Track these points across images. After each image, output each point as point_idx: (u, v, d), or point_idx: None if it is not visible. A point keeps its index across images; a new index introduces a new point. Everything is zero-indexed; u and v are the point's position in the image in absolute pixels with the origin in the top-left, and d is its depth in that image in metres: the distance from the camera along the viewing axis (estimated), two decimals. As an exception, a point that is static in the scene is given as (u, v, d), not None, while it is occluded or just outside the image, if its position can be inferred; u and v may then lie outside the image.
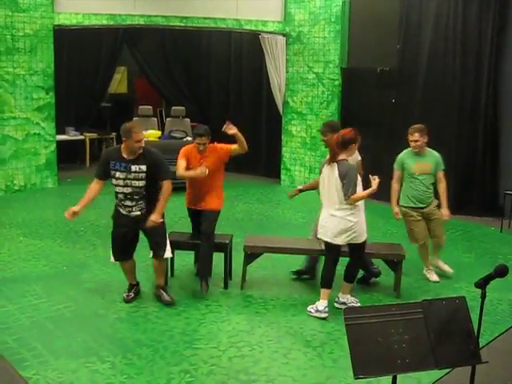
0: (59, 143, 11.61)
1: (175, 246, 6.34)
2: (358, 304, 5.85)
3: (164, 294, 5.96)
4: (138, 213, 5.80)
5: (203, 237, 6.22)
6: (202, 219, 6.26)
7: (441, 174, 6.73)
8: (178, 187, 6.48)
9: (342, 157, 5.56)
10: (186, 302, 5.86)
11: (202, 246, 6.22)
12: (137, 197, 5.75)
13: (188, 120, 12.57)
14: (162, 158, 5.78)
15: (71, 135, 13.18)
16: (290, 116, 11.91)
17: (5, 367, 4.66)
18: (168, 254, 5.95)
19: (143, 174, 5.63)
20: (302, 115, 11.75)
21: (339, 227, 5.54)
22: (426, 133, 6.61)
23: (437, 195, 6.79)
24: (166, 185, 5.68)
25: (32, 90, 10.70)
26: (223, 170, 6.42)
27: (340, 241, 5.59)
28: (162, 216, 5.79)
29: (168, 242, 5.92)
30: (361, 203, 5.61)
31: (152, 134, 11.30)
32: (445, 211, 6.68)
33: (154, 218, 5.64)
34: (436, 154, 6.73)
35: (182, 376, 4.60)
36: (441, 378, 4.55)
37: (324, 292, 5.72)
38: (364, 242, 5.72)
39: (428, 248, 6.86)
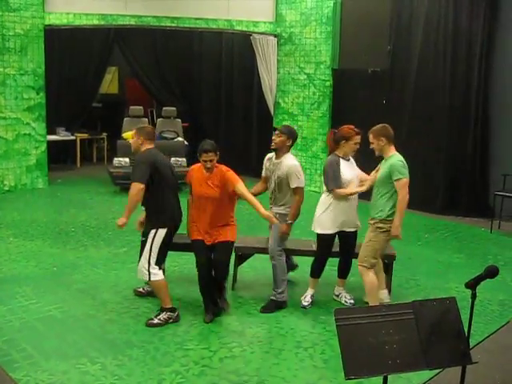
0: (50, 143, 11.58)
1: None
2: (350, 302, 6.01)
3: (154, 318, 5.52)
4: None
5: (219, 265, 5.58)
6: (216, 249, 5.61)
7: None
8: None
9: (337, 152, 5.77)
10: (176, 303, 5.84)
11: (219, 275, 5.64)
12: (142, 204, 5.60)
13: (179, 120, 12.57)
14: (138, 161, 5.43)
15: (62, 135, 13.15)
16: (281, 117, 11.92)
17: (-6, 369, 4.64)
18: (139, 274, 5.50)
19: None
20: (293, 116, 11.76)
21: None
22: (382, 134, 5.62)
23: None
24: (131, 188, 5.34)
25: (22, 90, 10.65)
26: (233, 198, 5.62)
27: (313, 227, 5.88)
28: (145, 235, 5.46)
29: (145, 264, 5.39)
30: (346, 200, 5.71)
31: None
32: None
33: (119, 220, 5.43)
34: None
35: (173, 377, 4.59)
36: (431, 378, 4.56)
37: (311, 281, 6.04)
38: (320, 236, 5.83)
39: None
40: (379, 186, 5.59)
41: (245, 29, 11.57)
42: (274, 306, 5.83)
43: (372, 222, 5.63)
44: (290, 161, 5.73)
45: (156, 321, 5.45)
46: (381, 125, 5.68)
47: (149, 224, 5.54)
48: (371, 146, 5.65)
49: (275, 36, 11.71)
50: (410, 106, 10.41)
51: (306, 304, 5.96)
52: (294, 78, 11.69)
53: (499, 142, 9.86)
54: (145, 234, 5.54)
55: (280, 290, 5.83)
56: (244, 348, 5.12)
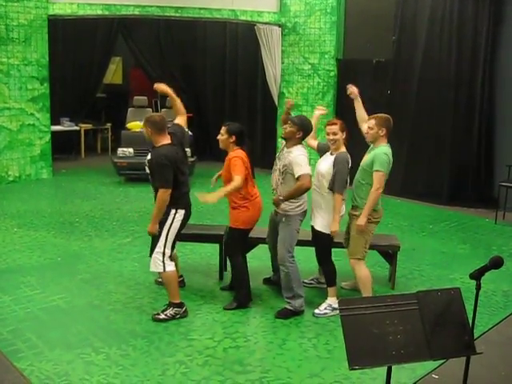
0: (54, 134, 11.57)
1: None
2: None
3: (161, 313, 5.46)
4: None
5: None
6: None
7: None
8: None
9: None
10: (181, 293, 5.84)
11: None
12: (153, 190, 5.48)
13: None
14: (161, 163, 5.17)
15: (66, 126, 13.13)
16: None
17: (-1, 358, 4.66)
18: (153, 267, 5.39)
19: (147, 166, 5.46)
20: (297, 106, 11.71)
21: None
22: (385, 125, 5.51)
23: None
24: (159, 193, 5.20)
25: (26, 80, 10.64)
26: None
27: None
28: (162, 226, 5.31)
29: (160, 255, 5.31)
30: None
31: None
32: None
33: (148, 227, 5.33)
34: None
35: (177, 367, 4.60)
36: (435, 368, 4.57)
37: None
38: (329, 236, 5.65)
39: None
40: (363, 173, 5.50)
41: (249, 19, 11.52)
42: (290, 314, 5.57)
43: (356, 212, 5.51)
44: (296, 151, 5.46)
45: (162, 316, 5.40)
46: (386, 115, 5.57)
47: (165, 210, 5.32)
48: (368, 131, 5.50)
49: (279, 26, 11.66)
50: (415, 96, 10.37)
51: (318, 312, 5.66)
52: (299, 68, 11.65)
53: (504, 132, 9.82)
54: (160, 225, 5.32)
55: (297, 302, 5.56)
56: (248, 338, 5.13)
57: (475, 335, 4.30)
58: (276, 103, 11.99)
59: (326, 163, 5.59)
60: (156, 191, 5.31)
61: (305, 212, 5.62)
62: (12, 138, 10.61)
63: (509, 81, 9.67)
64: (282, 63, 11.79)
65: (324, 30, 11.20)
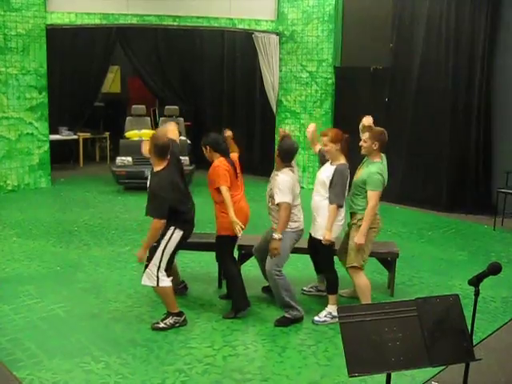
0: (52, 143, 11.59)
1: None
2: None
3: (160, 322, 5.45)
4: None
5: None
6: None
7: None
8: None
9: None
10: (180, 302, 5.83)
11: None
12: None
13: (182, 119, 12.57)
14: (157, 191, 5.13)
15: (64, 135, 13.16)
16: (284, 115, 11.92)
17: (-1, 368, 4.65)
18: (145, 281, 5.35)
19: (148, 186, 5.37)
20: (295, 114, 11.76)
21: None
22: (379, 139, 5.53)
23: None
24: (152, 222, 5.13)
25: (25, 89, 10.67)
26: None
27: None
28: (160, 240, 5.28)
29: (154, 270, 5.27)
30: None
31: (145, 134, 11.29)
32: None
33: (138, 252, 5.32)
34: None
35: (176, 375, 4.59)
36: (435, 375, 4.56)
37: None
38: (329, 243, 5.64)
39: None
40: (357, 188, 5.53)
41: (247, 27, 11.56)
42: (289, 322, 5.57)
43: (355, 221, 5.54)
44: (282, 175, 5.45)
45: (162, 325, 5.39)
46: (381, 129, 5.60)
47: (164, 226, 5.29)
48: (362, 144, 5.52)
49: (277, 34, 11.70)
50: (413, 103, 10.40)
51: (318, 319, 5.65)
52: (296, 76, 11.68)
53: (502, 138, 9.84)
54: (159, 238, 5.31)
55: (294, 312, 5.55)
56: (247, 346, 5.12)
57: (474, 341, 4.31)
58: (274, 111, 12.01)
59: (326, 172, 5.58)
60: None
61: (301, 231, 5.63)
62: (10, 147, 10.63)
63: (506, 87, 9.70)
64: (280, 71, 11.83)
65: (321, 37, 11.24)
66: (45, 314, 5.65)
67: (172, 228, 5.28)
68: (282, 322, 5.55)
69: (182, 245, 5.46)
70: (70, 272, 6.82)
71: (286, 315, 5.58)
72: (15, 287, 6.28)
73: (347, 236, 5.73)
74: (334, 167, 5.50)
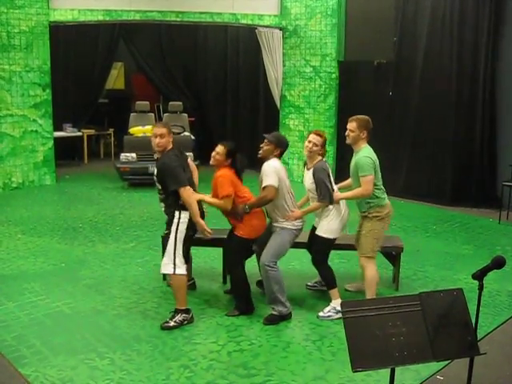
0: (57, 140, 11.61)
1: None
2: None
3: (170, 321, 5.40)
4: (166, 217, 5.48)
5: None
6: None
7: None
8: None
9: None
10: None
11: None
12: (161, 200, 5.46)
13: (186, 115, 12.57)
14: (171, 165, 5.21)
15: (69, 132, 13.17)
16: (288, 110, 11.90)
17: (4, 365, 4.66)
18: (163, 269, 5.38)
19: (155, 178, 5.39)
20: (299, 109, 11.73)
21: None
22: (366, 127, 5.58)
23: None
24: (183, 194, 5.18)
25: (28, 86, 10.68)
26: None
27: None
28: (169, 228, 5.31)
29: (170, 257, 5.28)
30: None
31: (149, 130, 11.28)
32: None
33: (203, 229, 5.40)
34: None
35: (181, 371, 4.60)
36: (439, 370, 4.56)
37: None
38: (330, 240, 5.68)
39: None
40: (355, 181, 5.59)
41: (250, 22, 11.53)
42: (277, 319, 5.52)
43: (365, 212, 5.58)
44: (269, 161, 5.53)
45: (172, 323, 5.35)
46: (366, 117, 5.58)
47: (169, 213, 5.34)
48: (348, 134, 5.51)
49: (280, 29, 11.67)
50: (417, 97, 10.36)
51: (323, 315, 5.65)
52: (300, 71, 11.66)
53: (507, 132, 9.80)
54: (168, 226, 5.36)
55: (279, 308, 5.50)
56: (252, 341, 5.12)
57: (480, 335, 4.29)
58: (278, 106, 11.99)
59: (309, 180, 5.62)
60: (165, 204, 5.38)
61: (301, 230, 5.64)
62: (15, 144, 10.65)
63: (511, 80, 9.65)
64: (284, 66, 11.80)
65: (325, 32, 11.20)
66: (50, 310, 5.66)
67: (177, 212, 5.28)
68: (270, 320, 5.50)
69: (195, 228, 5.42)
70: (75, 268, 6.83)
71: (273, 312, 5.55)
72: (20, 284, 6.29)
73: (360, 226, 5.75)
74: (311, 170, 5.56)
